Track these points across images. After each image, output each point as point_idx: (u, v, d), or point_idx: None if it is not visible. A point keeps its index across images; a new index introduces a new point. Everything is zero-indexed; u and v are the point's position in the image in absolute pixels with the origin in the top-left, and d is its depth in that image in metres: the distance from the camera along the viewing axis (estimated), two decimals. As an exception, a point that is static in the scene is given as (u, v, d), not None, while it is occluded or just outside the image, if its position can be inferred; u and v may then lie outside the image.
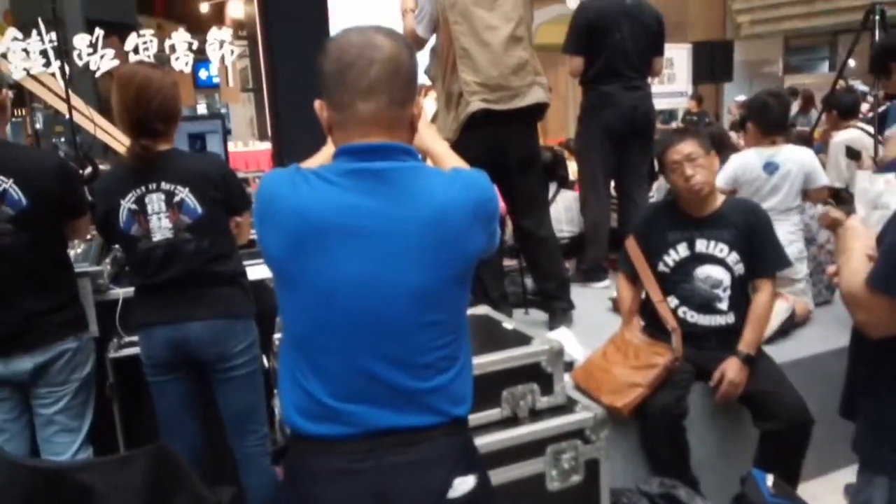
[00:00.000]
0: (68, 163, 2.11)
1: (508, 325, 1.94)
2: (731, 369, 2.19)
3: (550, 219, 3.05)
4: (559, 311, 2.91)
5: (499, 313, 2.16)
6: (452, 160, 1.40)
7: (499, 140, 2.72)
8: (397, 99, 1.15)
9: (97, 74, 8.31)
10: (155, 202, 1.97)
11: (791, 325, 2.76)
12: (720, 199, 2.32)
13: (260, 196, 1.20)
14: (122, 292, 2.38)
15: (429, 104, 4.65)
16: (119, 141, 7.67)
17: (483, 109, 2.68)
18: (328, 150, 1.36)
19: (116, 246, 2.53)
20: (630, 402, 2.14)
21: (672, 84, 8.66)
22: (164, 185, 1.97)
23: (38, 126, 10.30)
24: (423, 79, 2.72)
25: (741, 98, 9.58)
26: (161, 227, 1.97)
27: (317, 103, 1.19)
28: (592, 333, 2.62)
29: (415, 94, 1.20)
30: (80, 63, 7.74)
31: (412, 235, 1.13)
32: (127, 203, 1.97)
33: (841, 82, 4.62)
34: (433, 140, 1.45)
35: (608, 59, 3.46)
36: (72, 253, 2.37)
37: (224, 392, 2.09)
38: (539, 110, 2.84)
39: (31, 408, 2.07)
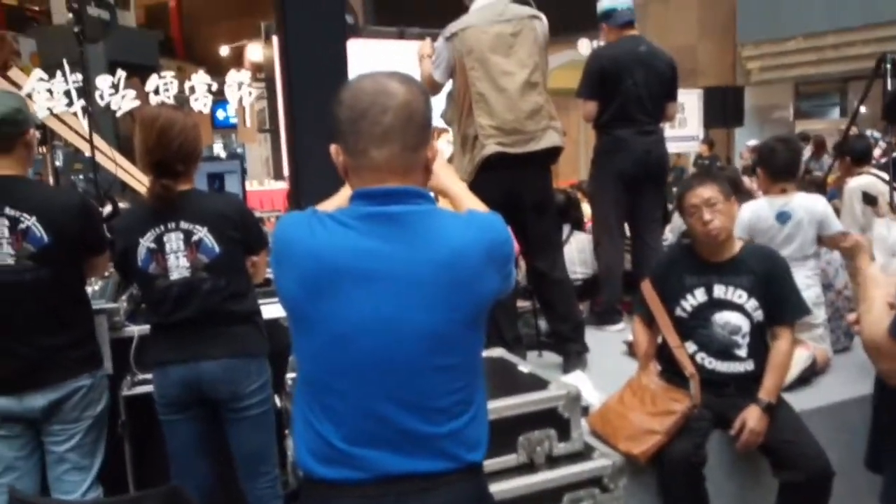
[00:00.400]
0: (89, 201, 2.14)
1: (524, 368, 1.92)
2: (752, 418, 2.15)
3: (564, 260, 3.04)
4: (574, 354, 2.89)
5: (514, 356, 2.14)
6: (470, 200, 1.41)
7: (514, 183, 2.74)
8: (411, 145, 1.16)
9: (118, 114, 8.49)
10: (173, 241, 1.99)
11: (812, 373, 2.71)
12: (738, 245, 2.31)
13: (276, 238, 1.22)
14: (137, 330, 2.39)
15: (442, 146, 4.77)
16: (138, 180, 7.82)
17: (498, 153, 2.71)
18: (345, 192, 1.38)
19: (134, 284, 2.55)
20: (647, 450, 2.10)
21: (683, 128, 8.75)
22: (182, 225, 1.99)
23: (57, 164, 10.50)
24: (437, 122, 2.76)
25: (753, 143, 9.63)
26: (178, 265, 1.99)
27: (333, 148, 1.21)
28: (607, 377, 2.59)
29: (429, 138, 1.22)
30: (101, 103, 7.92)
31: (426, 278, 1.14)
32: (146, 242, 1.99)
33: (854, 128, 4.63)
34: (451, 180, 1.46)
35: (622, 104, 3.50)
36: (89, 290, 2.38)
37: (237, 432, 2.08)
38: (553, 154, 2.86)
39: (43, 445, 2.06)
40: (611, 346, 3.22)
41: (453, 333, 1.17)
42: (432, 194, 1.33)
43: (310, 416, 1.19)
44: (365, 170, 1.17)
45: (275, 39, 8.57)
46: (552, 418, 1.72)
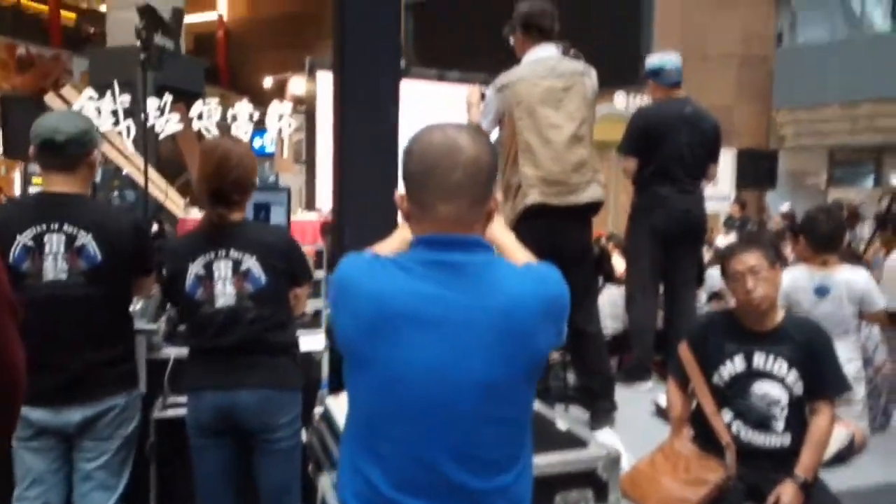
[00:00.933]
0: (144, 223, 2.19)
1: (561, 424, 1.90)
2: (787, 494, 2.09)
3: (599, 314, 3.02)
4: (601, 411, 2.84)
5: (550, 410, 2.12)
6: (520, 252, 1.42)
7: (553, 234, 2.75)
8: (478, 199, 1.19)
9: (160, 137, 8.73)
10: (222, 268, 2.02)
11: (849, 452, 2.64)
12: (781, 314, 2.28)
13: (336, 279, 1.23)
14: (173, 352, 2.41)
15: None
16: (173, 201, 7.97)
17: (539, 203, 2.72)
18: (400, 235, 1.40)
19: (169, 306, 2.58)
20: (678, 518, 2.05)
21: (715, 188, 8.74)
22: (232, 253, 2.03)
23: (96, 180, 10.78)
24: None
25: (786, 208, 9.60)
26: (225, 293, 2.01)
27: (397, 195, 1.23)
28: (635, 437, 2.54)
29: (493, 189, 1.22)
30: (147, 125, 8.15)
31: (484, 327, 1.14)
32: (195, 267, 2.02)
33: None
34: (502, 232, 1.47)
35: (664, 162, 3.51)
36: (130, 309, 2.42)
37: (264, 463, 2.07)
38: (594, 207, 2.87)
39: (72, 461, 2.06)
40: (639, 405, 3.17)
41: (509, 385, 1.16)
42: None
43: (359, 460, 1.18)
44: (430, 220, 1.19)
45: (319, 74, 8.79)
46: (590, 479, 1.69)
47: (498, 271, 1.19)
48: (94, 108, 8.02)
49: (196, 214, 8.73)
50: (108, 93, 8.14)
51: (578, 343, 2.91)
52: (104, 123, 8.10)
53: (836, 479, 2.39)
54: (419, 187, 1.18)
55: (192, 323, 2.07)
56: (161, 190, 6.81)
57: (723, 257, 2.32)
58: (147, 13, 3.41)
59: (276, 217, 2.81)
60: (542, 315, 1.18)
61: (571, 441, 1.78)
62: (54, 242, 1.96)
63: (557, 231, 2.78)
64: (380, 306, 1.15)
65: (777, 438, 2.22)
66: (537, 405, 2.05)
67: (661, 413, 3.06)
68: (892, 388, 2.99)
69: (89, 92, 8.01)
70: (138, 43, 3.31)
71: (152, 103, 8.39)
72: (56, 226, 1.97)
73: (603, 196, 2.87)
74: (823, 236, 2.92)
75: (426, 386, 1.14)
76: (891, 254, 3.87)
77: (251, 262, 2.03)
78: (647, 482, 2.18)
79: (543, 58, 2.83)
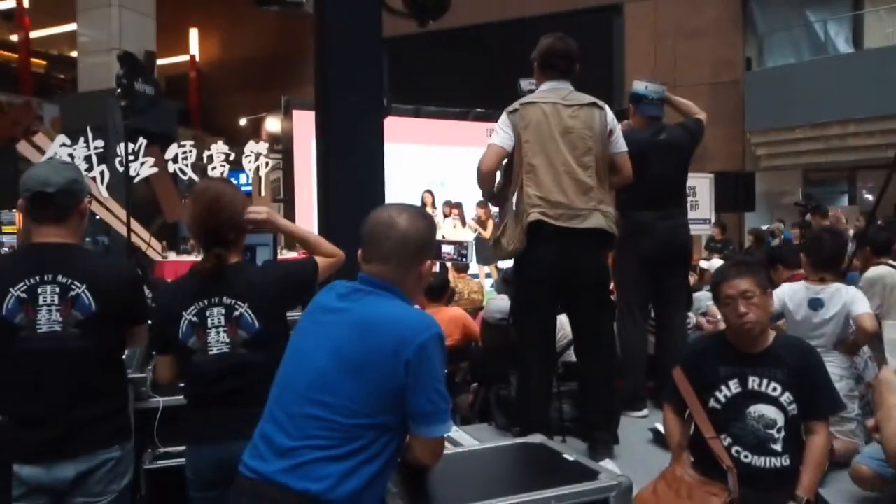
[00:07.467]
0: (138, 272, 2.18)
1: (569, 456, 1.90)
2: (791, 515, 2.11)
3: (615, 346, 3.04)
4: (601, 443, 2.85)
5: (555, 443, 2.13)
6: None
7: (564, 257, 2.78)
8: (404, 264, 1.67)
9: (136, 180, 8.73)
10: (215, 316, 2.02)
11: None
12: (771, 336, 2.33)
13: None
14: (162, 401, 2.38)
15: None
16: (150, 245, 7.88)
17: (539, 220, 2.77)
18: None
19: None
20: (684, 546, 2.06)
21: (695, 212, 8.90)
22: (225, 300, 2.02)
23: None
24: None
25: (766, 228, 9.81)
26: (218, 340, 2.01)
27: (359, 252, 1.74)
28: (635, 466, 2.56)
29: (424, 256, 1.70)
30: (120, 169, 8.15)
31: (344, 330, 1.62)
32: (188, 315, 2.01)
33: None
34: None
35: (643, 188, 3.56)
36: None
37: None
38: (604, 237, 2.90)
39: None
40: (636, 433, 3.18)
41: (337, 374, 1.58)
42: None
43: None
44: (368, 266, 1.70)
45: (295, 113, 8.83)
46: (602, 510, 1.69)
47: (385, 303, 1.64)
48: (66, 154, 8.00)
49: (174, 258, 8.67)
50: (81, 138, 8.14)
51: (588, 371, 2.92)
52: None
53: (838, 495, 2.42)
54: (364, 244, 1.70)
55: (187, 372, 2.05)
56: (140, 235, 6.78)
57: (715, 282, 2.37)
58: (127, 60, 3.42)
59: (263, 258, 2.82)
60: (385, 342, 1.57)
61: (582, 473, 1.79)
62: (48, 294, 1.95)
63: (567, 254, 2.80)
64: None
65: (776, 460, 2.24)
66: (540, 438, 2.06)
67: (660, 440, 3.08)
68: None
69: (62, 138, 8.01)
70: (118, 90, 3.31)
71: (126, 147, 8.41)
72: (49, 277, 1.96)
73: (607, 226, 2.88)
74: (827, 256, 3.02)
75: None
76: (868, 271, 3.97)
77: (244, 308, 2.02)
78: (651, 511, 2.18)
79: (557, 87, 2.92)
